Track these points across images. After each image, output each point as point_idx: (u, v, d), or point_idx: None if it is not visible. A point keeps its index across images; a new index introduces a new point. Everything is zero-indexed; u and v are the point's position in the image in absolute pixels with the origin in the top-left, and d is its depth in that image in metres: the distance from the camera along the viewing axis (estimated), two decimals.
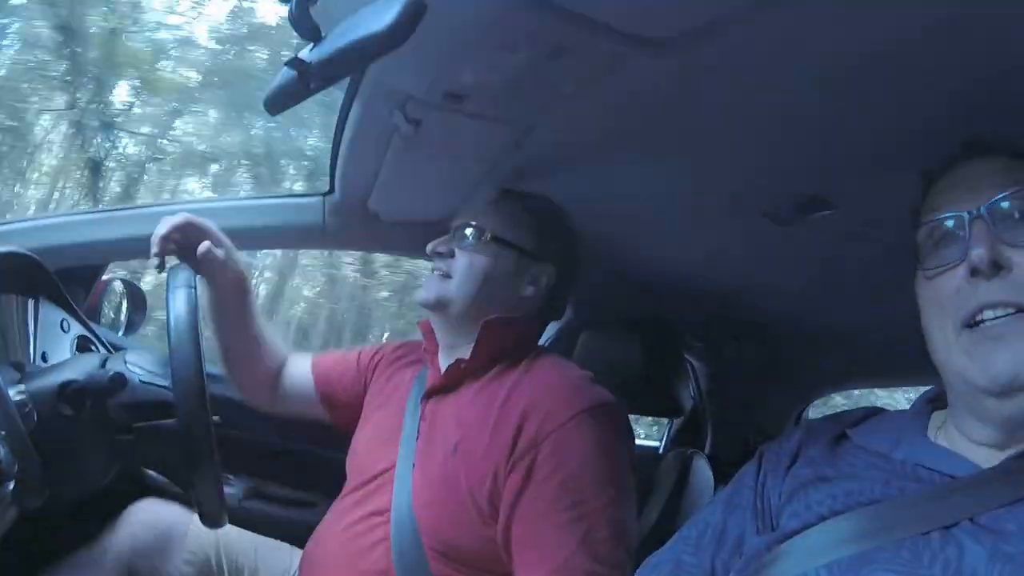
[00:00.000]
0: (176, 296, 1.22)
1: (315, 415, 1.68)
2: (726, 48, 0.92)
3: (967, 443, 0.87)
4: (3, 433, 1.04)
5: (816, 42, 0.90)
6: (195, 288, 1.24)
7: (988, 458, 0.84)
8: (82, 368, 1.28)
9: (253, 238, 1.83)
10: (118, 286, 1.95)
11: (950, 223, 0.86)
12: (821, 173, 1.27)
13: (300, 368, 1.71)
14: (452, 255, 1.44)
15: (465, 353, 1.41)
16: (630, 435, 1.33)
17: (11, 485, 1.04)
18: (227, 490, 1.34)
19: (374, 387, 1.63)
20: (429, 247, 1.47)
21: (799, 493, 0.93)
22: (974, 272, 0.81)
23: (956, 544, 0.76)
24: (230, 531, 1.51)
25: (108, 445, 1.29)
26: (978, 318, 0.81)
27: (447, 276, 1.44)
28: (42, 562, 1.53)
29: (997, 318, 0.80)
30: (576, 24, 0.89)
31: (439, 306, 1.44)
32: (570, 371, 1.37)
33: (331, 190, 1.74)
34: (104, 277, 1.92)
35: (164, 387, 1.29)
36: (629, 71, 1.00)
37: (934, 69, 0.93)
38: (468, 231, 1.45)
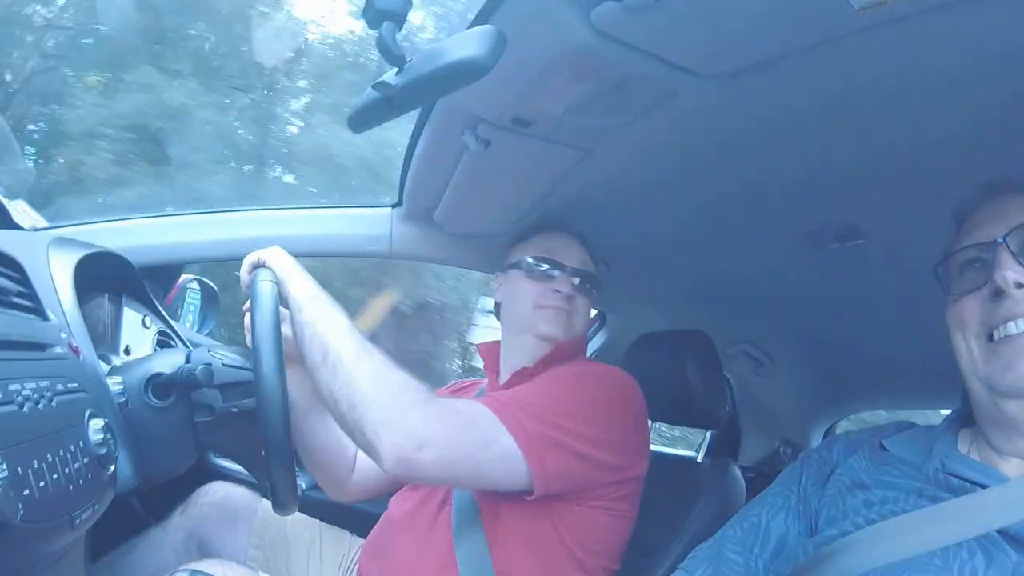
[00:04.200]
0: (259, 289, 1.26)
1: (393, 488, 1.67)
2: (776, 82, 0.99)
3: (997, 456, 0.92)
4: (107, 421, 1.10)
5: (860, 80, 0.95)
6: (276, 283, 1.29)
7: (1018, 470, 0.89)
8: (168, 362, 1.35)
9: (324, 245, 1.91)
10: (194, 285, 2.06)
11: (975, 251, 0.94)
12: (856, 203, 1.32)
13: None
14: (573, 298, 1.57)
15: (523, 363, 1.55)
16: (632, 402, 1.43)
17: (112, 468, 1.10)
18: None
19: None
20: (561, 289, 1.57)
21: (837, 500, 0.99)
22: (998, 292, 0.88)
23: (984, 553, 0.81)
24: (296, 517, 1.60)
25: (190, 432, 1.36)
26: (1002, 332, 0.88)
27: (570, 315, 1.57)
28: (115, 539, 1.61)
29: (1020, 332, 0.87)
30: (641, 60, 0.96)
31: (559, 338, 1.57)
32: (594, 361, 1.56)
33: (399, 202, 1.81)
34: (181, 276, 2.02)
35: (244, 368, 1.37)
36: (685, 101, 1.07)
37: (971, 108, 0.98)
38: (585, 281, 1.60)
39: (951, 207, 1.02)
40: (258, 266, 1.33)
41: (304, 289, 1.31)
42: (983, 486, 0.88)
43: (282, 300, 1.30)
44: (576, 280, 1.58)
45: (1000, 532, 0.82)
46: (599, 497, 1.35)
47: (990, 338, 0.90)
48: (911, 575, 0.82)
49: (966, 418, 1.01)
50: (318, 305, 1.30)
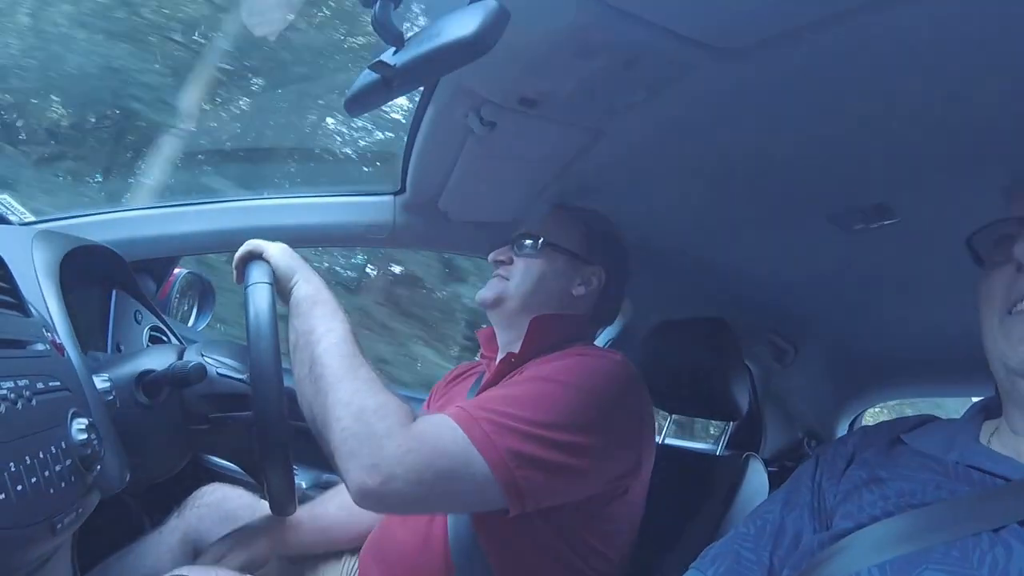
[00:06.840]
0: (254, 291, 1.22)
1: None
2: (796, 58, 0.93)
3: (1018, 442, 0.89)
4: (91, 420, 1.04)
5: (885, 54, 0.90)
6: (272, 284, 1.24)
7: None
8: (159, 358, 1.29)
9: (324, 235, 1.88)
10: (188, 279, 2.00)
11: (1006, 226, 0.91)
12: (886, 182, 1.26)
13: None
14: (511, 262, 1.57)
15: (510, 348, 1.51)
16: (627, 397, 1.34)
17: (97, 470, 1.05)
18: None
19: (433, 408, 1.69)
20: (491, 256, 1.60)
21: (853, 494, 0.95)
22: (1020, 268, 0.85)
23: (1005, 545, 0.77)
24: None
25: (183, 433, 1.31)
26: (1020, 307, 0.85)
27: (506, 279, 1.56)
28: (112, 544, 1.57)
29: None
30: (653, 34, 0.90)
31: (497, 303, 1.56)
32: (593, 347, 1.49)
33: (402, 189, 1.76)
34: (175, 270, 1.96)
35: (241, 380, 1.31)
36: (700, 78, 1.01)
37: (1007, 83, 0.93)
38: (526, 241, 1.57)
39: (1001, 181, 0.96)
40: (254, 258, 1.27)
41: (304, 290, 1.26)
42: (1005, 478, 0.85)
43: (280, 296, 1.25)
44: (515, 244, 1.58)
45: (1021, 524, 0.79)
46: (594, 503, 1.30)
47: (1009, 311, 0.87)
48: (929, 568, 0.79)
49: (990, 409, 0.98)
50: (316, 312, 1.24)
